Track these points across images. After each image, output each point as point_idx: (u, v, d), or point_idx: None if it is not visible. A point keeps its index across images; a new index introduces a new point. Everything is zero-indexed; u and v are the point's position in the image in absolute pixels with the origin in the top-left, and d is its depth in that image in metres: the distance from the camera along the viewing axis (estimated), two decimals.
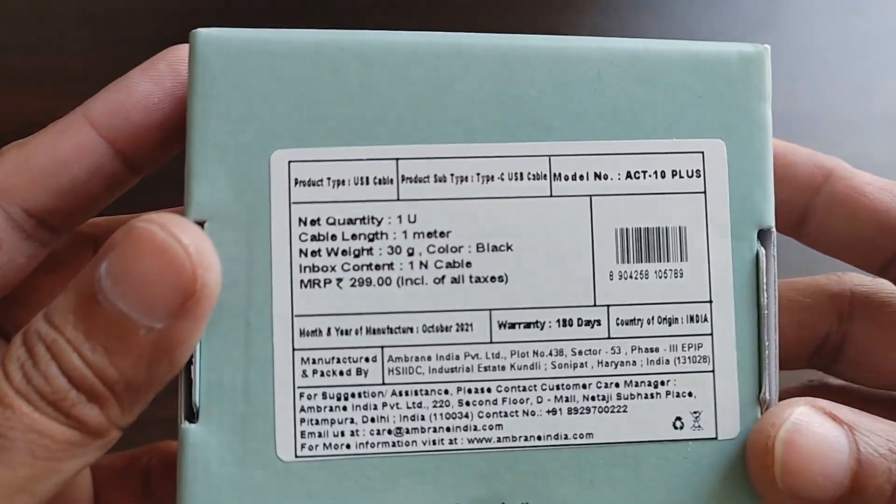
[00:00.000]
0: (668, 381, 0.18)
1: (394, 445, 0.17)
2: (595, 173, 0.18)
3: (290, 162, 0.17)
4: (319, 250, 0.17)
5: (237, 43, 0.17)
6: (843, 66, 0.36)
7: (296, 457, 0.17)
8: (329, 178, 0.17)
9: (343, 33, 0.18)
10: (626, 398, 0.18)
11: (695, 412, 0.18)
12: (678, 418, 0.18)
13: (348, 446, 0.17)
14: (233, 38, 0.17)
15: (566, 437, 0.18)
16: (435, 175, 0.18)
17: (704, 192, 0.18)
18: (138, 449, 0.23)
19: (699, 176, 0.18)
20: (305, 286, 0.17)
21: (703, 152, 0.18)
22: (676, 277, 0.18)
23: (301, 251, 0.17)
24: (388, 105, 0.17)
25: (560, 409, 0.18)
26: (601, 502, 0.17)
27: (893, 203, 0.21)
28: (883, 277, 0.22)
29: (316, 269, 0.17)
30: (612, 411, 0.18)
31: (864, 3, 0.37)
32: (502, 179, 0.18)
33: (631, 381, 0.18)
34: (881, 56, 0.36)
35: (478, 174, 0.18)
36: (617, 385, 0.18)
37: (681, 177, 0.18)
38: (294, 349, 0.17)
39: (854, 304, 0.22)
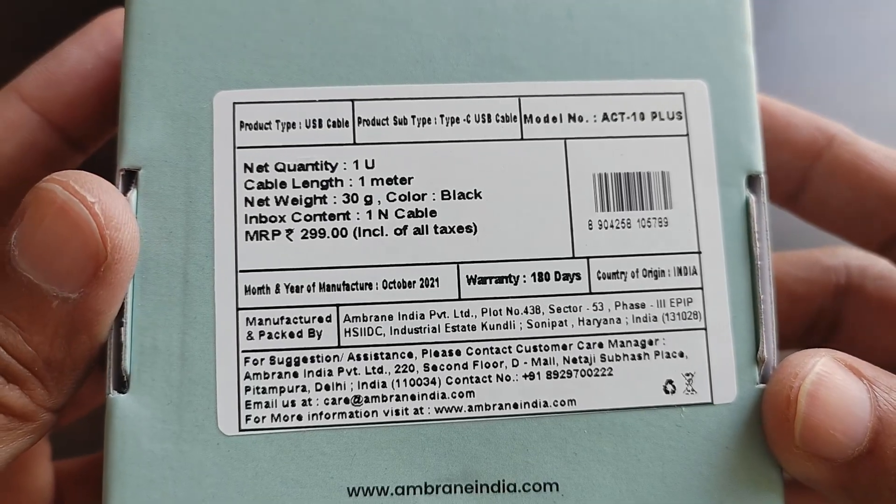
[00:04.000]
0: (656, 340, 0.16)
1: (351, 416, 0.15)
2: (569, 115, 0.16)
3: (234, 104, 0.16)
4: (267, 199, 0.16)
5: None
6: (843, 66, 0.35)
7: (239, 430, 0.15)
8: (278, 121, 0.16)
9: None
10: (611, 360, 0.16)
11: (687, 374, 0.16)
12: (669, 381, 0.16)
13: (299, 417, 0.15)
14: None
15: (546, 405, 0.16)
16: (394, 117, 0.16)
17: (687, 136, 0.17)
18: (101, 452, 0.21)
19: (681, 118, 0.17)
20: (251, 238, 0.16)
21: (683, 93, 0.17)
22: (661, 226, 0.16)
23: (247, 200, 0.16)
24: (342, 42, 0.16)
25: (538, 374, 0.16)
26: (586, 477, 0.15)
27: None
28: (882, 256, 0.21)
29: (263, 219, 0.16)
30: (596, 375, 0.16)
31: (865, 3, 0.37)
32: (468, 122, 0.16)
33: (616, 341, 0.16)
34: (881, 56, 0.36)
35: (441, 116, 0.16)
36: (600, 346, 0.16)
37: (661, 119, 0.17)
38: (238, 308, 0.15)
39: (850, 278, 0.21)
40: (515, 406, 0.16)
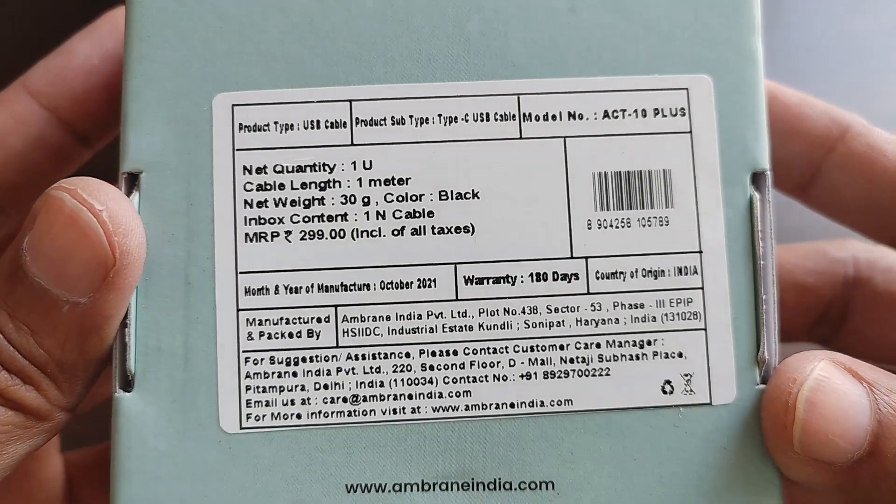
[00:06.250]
0: (655, 340, 0.16)
1: (350, 415, 0.16)
2: (569, 113, 0.16)
3: (233, 105, 0.16)
4: (266, 201, 0.16)
5: None
6: (843, 66, 0.35)
7: (240, 428, 0.15)
8: (276, 123, 0.16)
9: None
10: (609, 360, 0.16)
11: (686, 374, 0.16)
12: (667, 382, 0.16)
13: (299, 416, 0.16)
14: None
15: (542, 405, 0.16)
16: (392, 117, 0.16)
17: (690, 133, 0.16)
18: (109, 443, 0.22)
19: (684, 115, 0.16)
20: (251, 240, 0.16)
21: (687, 89, 0.16)
22: (662, 226, 0.16)
23: (246, 202, 0.16)
24: (341, 42, 0.16)
25: (535, 374, 0.16)
26: (582, 476, 0.16)
27: None
28: (894, 249, 0.20)
29: (262, 221, 0.16)
30: (594, 375, 0.16)
31: (864, 3, 0.37)
32: (466, 121, 0.16)
33: (614, 342, 0.16)
34: (881, 56, 0.35)
35: (439, 116, 0.16)
36: (598, 346, 0.16)
37: (664, 116, 0.16)
38: (238, 309, 0.16)
39: (858, 271, 0.21)
40: (512, 406, 0.16)
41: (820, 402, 0.15)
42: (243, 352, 0.16)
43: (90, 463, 0.20)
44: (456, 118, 0.16)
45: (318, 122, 0.16)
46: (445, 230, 0.16)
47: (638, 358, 0.16)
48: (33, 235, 0.14)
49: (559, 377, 0.16)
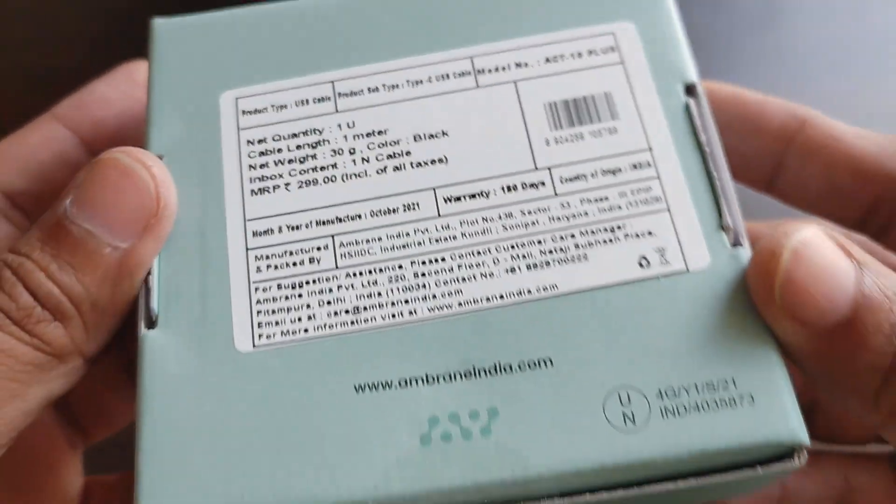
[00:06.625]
0: (624, 225, 0.17)
1: (352, 324, 0.17)
2: (516, 63, 0.19)
3: (237, 98, 0.19)
4: (267, 163, 0.18)
5: (189, 21, 0.20)
6: (843, 66, 0.35)
7: (254, 346, 0.17)
8: (272, 105, 0.19)
9: (275, 5, 0.20)
10: (585, 247, 0.17)
11: (659, 249, 0.17)
12: (643, 257, 0.17)
13: (306, 330, 0.17)
14: (186, 20, 0.20)
15: (530, 293, 0.17)
16: (368, 87, 0.19)
17: (622, 63, 0.19)
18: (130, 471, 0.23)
19: (614, 51, 0.19)
20: (256, 194, 0.18)
21: (614, 33, 0.19)
22: (611, 134, 0.18)
23: (250, 166, 0.18)
24: (319, 39, 0.20)
25: (518, 267, 0.17)
26: (578, 350, 0.16)
27: (870, 149, 0.20)
28: (860, 232, 0.21)
29: (265, 178, 0.18)
30: (573, 261, 0.17)
31: (864, 3, 0.37)
32: (430, 81, 0.19)
33: (586, 231, 0.17)
34: (881, 56, 0.35)
35: (407, 80, 0.19)
36: (573, 236, 0.17)
37: (597, 54, 0.19)
38: (248, 249, 0.18)
39: None
40: (501, 297, 0.17)
41: (806, 255, 0.15)
42: (253, 283, 0.17)
43: (109, 486, 0.21)
44: (421, 81, 0.19)
45: (306, 100, 0.19)
46: (422, 164, 0.18)
47: (611, 241, 0.17)
48: (83, 188, 0.17)
49: (541, 267, 0.17)
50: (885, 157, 0.20)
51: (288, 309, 0.17)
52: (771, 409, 0.16)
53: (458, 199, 0.18)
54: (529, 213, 0.18)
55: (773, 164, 0.21)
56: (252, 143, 0.19)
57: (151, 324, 0.17)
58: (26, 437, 0.20)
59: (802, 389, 0.21)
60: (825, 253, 0.16)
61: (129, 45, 0.22)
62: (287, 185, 0.18)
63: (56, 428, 0.20)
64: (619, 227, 0.17)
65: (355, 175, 0.18)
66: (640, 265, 0.17)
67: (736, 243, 0.17)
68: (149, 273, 0.17)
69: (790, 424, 0.15)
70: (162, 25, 0.20)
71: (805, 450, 0.16)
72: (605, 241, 0.17)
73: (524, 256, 0.17)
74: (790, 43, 0.36)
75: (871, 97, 0.34)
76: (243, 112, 0.19)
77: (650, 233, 0.17)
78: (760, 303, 0.16)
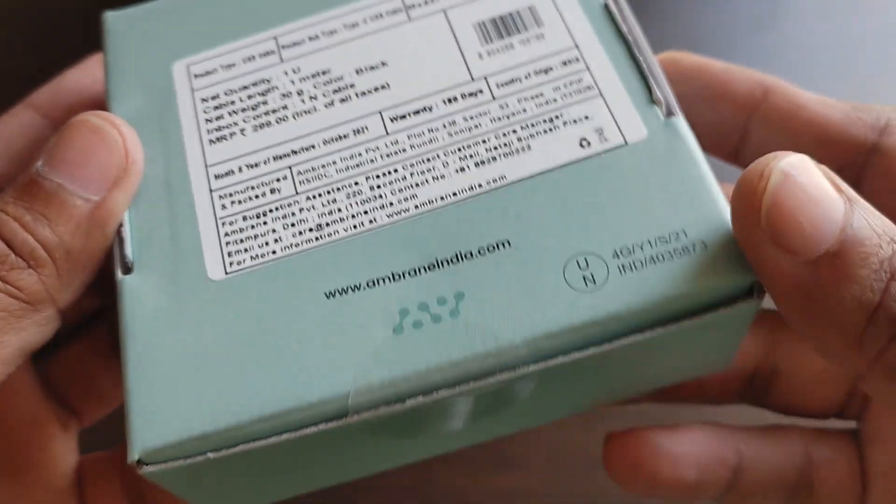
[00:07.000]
0: (561, 114, 0.18)
1: (318, 240, 0.18)
2: None
3: (188, 65, 0.20)
4: (222, 115, 0.19)
5: (137, 10, 0.21)
6: (843, 66, 0.35)
7: (226, 273, 0.17)
8: (221, 66, 0.20)
9: None
10: (527, 139, 0.18)
11: (597, 129, 0.18)
12: (583, 139, 0.18)
13: (274, 252, 0.18)
14: (133, 9, 0.21)
15: (480, 186, 0.18)
16: (308, 37, 0.20)
17: None
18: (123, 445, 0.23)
19: None
20: (214, 143, 0.19)
21: None
22: (539, 40, 0.19)
23: (206, 119, 0.19)
24: (258, 5, 0.21)
25: (467, 167, 0.18)
26: (534, 229, 0.17)
27: (834, 116, 0.20)
28: None
29: (221, 129, 0.19)
30: (518, 153, 0.18)
31: (864, 3, 0.37)
32: (365, 23, 0.20)
33: (527, 125, 0.18)
34: (881, 56, 0.35)
35: (343, 25, 0.20)
36: (514, 131, 0.18)
37: None
38: (211, 190, 0.18)
39: (883, 138, 0.20)
40: (454, 194, 0.18)
41: (795, 178, 0.15)
42: (220, 218, 0.18)
43: (103, 461, 0.21)
44: (356, 23, 0.20)
45: (252, 56, 0.20)
46: (366, 92, 0.19)
47: (551, 130, 0.18)
48: (54, 146, 0.18)
49: (489, 163, 0.18)
50: (849, 124, 0.20)
51: (255, 236, 0.18)
52: (725, 252, 0.16)
53: (403, 116, 0.19)
54: (471, 118, 0.18)
55: (738, 133, 0.21)
56: (206, 101, 0.20)
57: (127, 270, 0.18)
58: (14, 419, 0.20)
59: (762, 358, 0.22)
60: (815, 180, 0.15)
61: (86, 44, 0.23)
62: (242, 130, 0.19)
63: (45, 410, 0.21)
64: (557, 117, 0.18)
65: (305, 112, 0.19)
66: (581, 146, 0.18)
67: (669, 114, 0.18)
68: (121, 225, 0.18)
69: (747, 264, 0.16)
70: (112, 17, 0.21)
71: (763, 289, 0.16)
72: (545, 132, 0.18)
73: (471, 156, 0.18)
74: (790, 43, 0.36)
75: (871, 97, 0.33)
76: (195, 76, 0.20)
77: (587, 117, 0.18)
78: (744, 227, 0.15)
